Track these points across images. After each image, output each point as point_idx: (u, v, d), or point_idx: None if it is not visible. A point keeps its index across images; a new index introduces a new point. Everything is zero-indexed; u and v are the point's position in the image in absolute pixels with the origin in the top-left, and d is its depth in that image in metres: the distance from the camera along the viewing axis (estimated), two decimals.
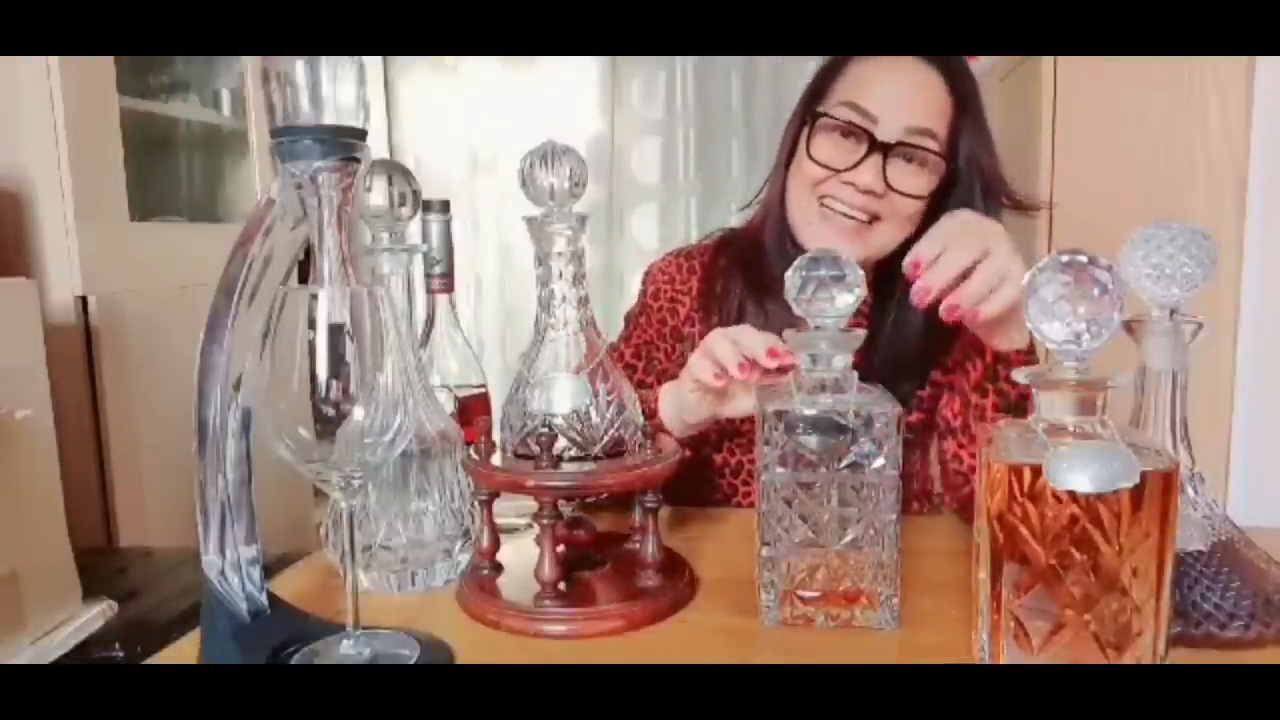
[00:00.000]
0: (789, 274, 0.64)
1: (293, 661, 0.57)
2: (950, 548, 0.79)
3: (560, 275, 0.69)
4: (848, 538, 0.62)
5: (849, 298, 0.62)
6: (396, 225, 0.75)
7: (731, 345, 0.76)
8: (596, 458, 0.68)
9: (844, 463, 0.61)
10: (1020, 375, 0.54)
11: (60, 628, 1.01)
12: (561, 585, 0.66)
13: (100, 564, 1.39)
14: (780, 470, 0.62)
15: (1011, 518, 0.52)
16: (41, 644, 0.98)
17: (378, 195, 0.74)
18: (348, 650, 0.57)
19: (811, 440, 0.61)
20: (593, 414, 0.68)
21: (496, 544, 0.72)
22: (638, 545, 0.71)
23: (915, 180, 0.90)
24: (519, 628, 0.64)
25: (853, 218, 0.91)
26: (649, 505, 0.69)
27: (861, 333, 0.63)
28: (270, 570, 0.63)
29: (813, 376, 0.63)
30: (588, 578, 0.71)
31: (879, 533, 0.62)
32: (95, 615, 1.06)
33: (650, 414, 0.84)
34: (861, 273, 0.63)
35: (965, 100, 0.92)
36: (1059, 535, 0.51)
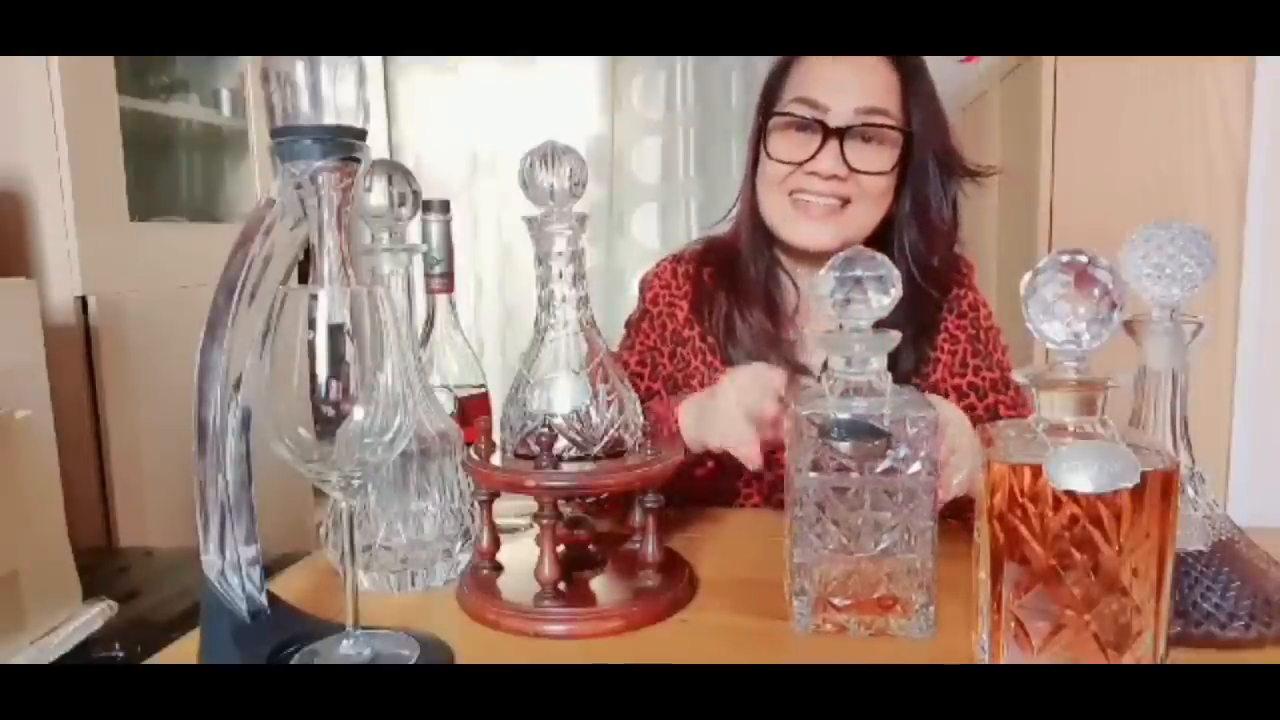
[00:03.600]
0: (821, 274, 0.62)
1: (293, 661, 0.57)
2: (950, 548, 0.79)
3: (560, 275, 0.69)
4: (882, 544, 0.61)
5: (885, 299, 0.60)
6: (396, 225, 0.75)
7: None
8: (596, 458, 0.68)
9: (880, 468, 0.60)
10: (1020, 375, 0.54)
11: (60, 628, 1.01)
12: (561, 585, 0.66)
13: (100, 564, 1.39)
14: (813, 475, 0.60)
15: (1012, 518, 0.52)
16: (41, 644, 0.98)
17: (378, 195, 0.74)
18: (348, 650, 0.57)
19: (845, 444, 0.59)
20: (593, 414, 0.68)
21: (496, 544, 0.72)
22: (637, 545, 0.71)
23: (875, 158, 0.93)
24: (519, 628, 0.64)
25: (824, 203, 0.94)
26: (649, 505, 0.68)
27: (897, 334, 0.62)
28: (270, 570, 0.63)
29: (846, 379, 0.61)
30: (587, 577, 0.71)
31: (914, 539, 0.60)
32: (95, 615, 1.06)
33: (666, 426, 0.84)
34: (898, 272, 0.61)
35: (911, 75, 0.94)
36: (1059, 535, 0.51)
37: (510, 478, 0.66)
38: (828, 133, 0.92)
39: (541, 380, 0.68)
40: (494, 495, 0.70)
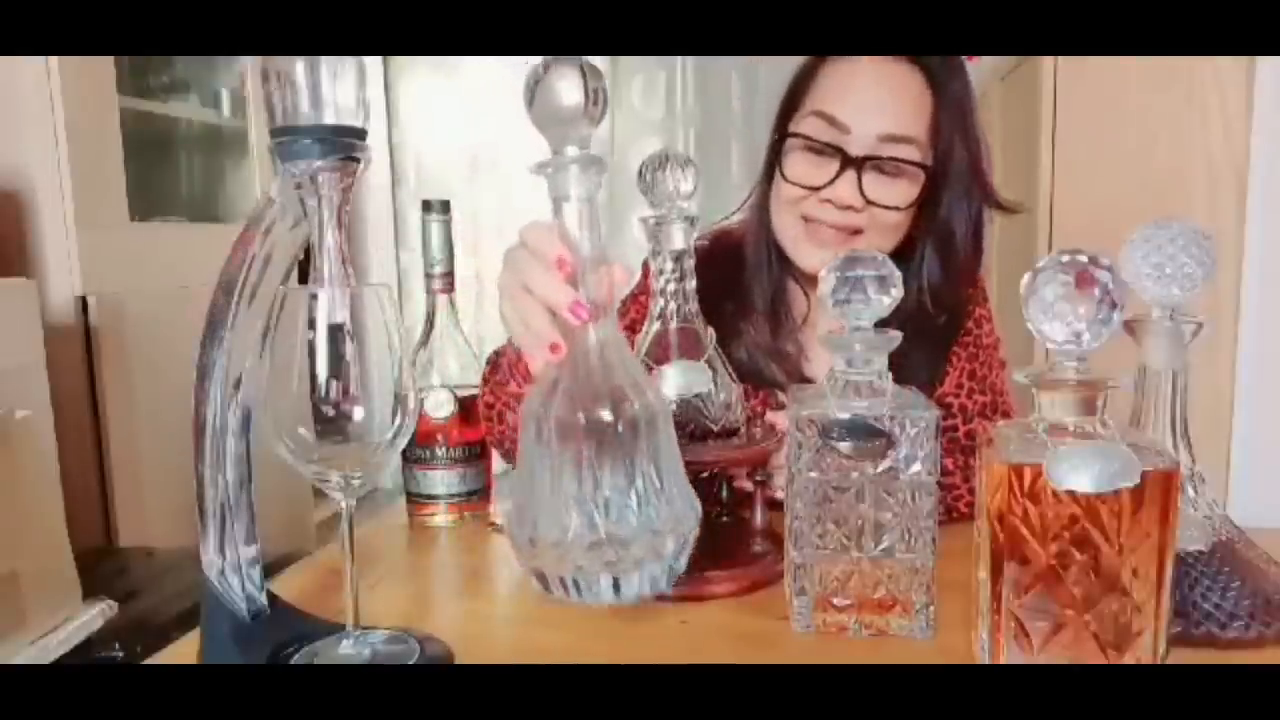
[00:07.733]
0: (823, 273, 0.62)
1: (293, 661, 0.57)
2: (950, 547, 0.79)
3: (672, 271, 0.73)
4: (883, 544, 0.61)
5: (886, 298, 0.60)
6: (586, 130, 0.58)
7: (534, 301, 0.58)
8: (718, 436, 0.73)
9: (880, 468, 0.60)
10: (1020, 375, 0.54)
11: (60, 628, 1.01)
12: None
13: (100, 564, 1.39)
14: (813, 475, 0.61)
15: (1012, 518, 0.52)
16: (41, 644, 0.98)
17: (570, 93, 0.56)
18: (347, 650, 0.57)
19: (845, 444, 0.60)
20: (714, 397, 0.73)
21: None
22: (726, 520, 0.80)
23: (893, 192, 0.87)
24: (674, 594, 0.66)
25: (835, 229, 0.89)
26: (759, 479, 0.75)
27: (897, 334, 0.62)
28: (270, 570, 0.63)
29: (847, 379, 0.61)
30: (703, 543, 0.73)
31: (914, 539, 0.60)
32: (95, 615, 1.06)
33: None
34: (898, 272, 0.61)
35: (946, 95, 0.88)
36: (1059, 535, 0.51)
37: None
38: (846, 161, 0.85)
39: (671, 367, 0.72)
40: None
